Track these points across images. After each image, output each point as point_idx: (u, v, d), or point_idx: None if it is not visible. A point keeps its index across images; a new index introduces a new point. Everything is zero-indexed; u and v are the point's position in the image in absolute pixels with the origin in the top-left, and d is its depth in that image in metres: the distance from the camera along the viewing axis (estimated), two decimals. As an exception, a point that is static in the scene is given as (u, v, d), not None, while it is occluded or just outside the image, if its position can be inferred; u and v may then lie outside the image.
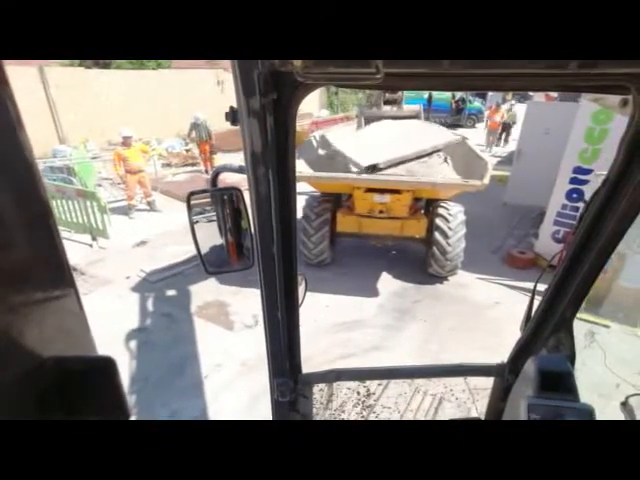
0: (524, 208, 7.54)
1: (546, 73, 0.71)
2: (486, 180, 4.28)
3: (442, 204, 5.09)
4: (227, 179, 6.77)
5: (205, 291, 5.17)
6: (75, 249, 6.21)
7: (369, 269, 5.66)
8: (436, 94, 16.20)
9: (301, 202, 5.56)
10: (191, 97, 14.48)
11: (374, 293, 5.12)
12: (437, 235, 4.95)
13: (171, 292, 5.14)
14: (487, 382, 1.62)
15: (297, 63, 0.61)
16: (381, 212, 5.06)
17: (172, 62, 14.79)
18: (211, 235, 1.20)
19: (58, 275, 0.39)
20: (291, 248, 1.00)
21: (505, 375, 1.49)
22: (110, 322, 4.44)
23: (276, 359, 1.20)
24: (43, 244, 0.38)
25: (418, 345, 4.15)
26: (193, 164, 10.96)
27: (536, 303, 1.36)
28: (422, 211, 5.57)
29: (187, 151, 11.48)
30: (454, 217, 4.95)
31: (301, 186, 5.73)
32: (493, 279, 5.37)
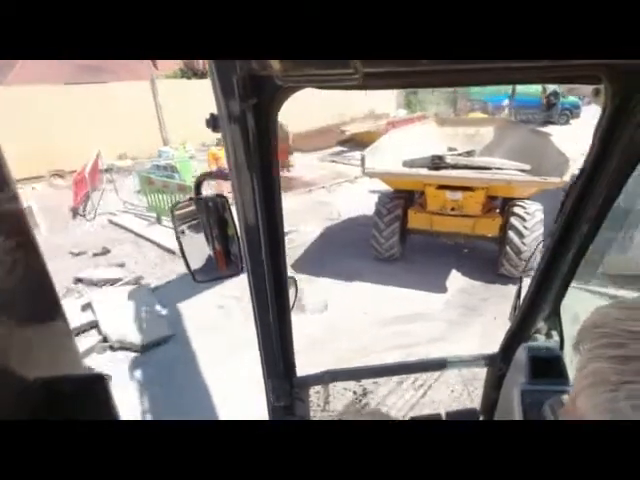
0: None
1: (522, 66, 0.73)
2: (566, 177, 4.11)
3: (518, 202, 4.95)
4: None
5: (281, 277, 5.68)
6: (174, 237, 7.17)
7: (438, 266, 5.70)
8: (524, 88, 15.15)
9: (374, 199, 5.81)
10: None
11: (441, 289, 5.17)
12: (511, 234, 4.84)
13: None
14: (481, 373, 1.64)
15: (276, 66, 0.59)
16: (453, 209, 5.09)
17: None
18: (200, 244, 1.18)
19: (42, 294, 0.38)
20: (279, 251, 0.99)
21: (497, 364, 1.50)
22: (197, 303, 5.12)
23: (270, 363, 1.19)
24: (25, 262, 0.36)
25: (480, 342, 4.15)
26: (275, 163, 11.79)
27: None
28: (497, 210, 5.46)
29: (269, 151, 12.38)
30: (531, 216, 4.79)
31: (375, 184, 5.94)
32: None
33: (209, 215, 1.10)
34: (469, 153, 5.92)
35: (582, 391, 0.43)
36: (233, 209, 1.02)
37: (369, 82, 0.66)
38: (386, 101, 16.73)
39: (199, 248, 1.13)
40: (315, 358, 3.98)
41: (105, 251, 6.66)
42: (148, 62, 12.10)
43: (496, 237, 5.21)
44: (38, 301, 0.38)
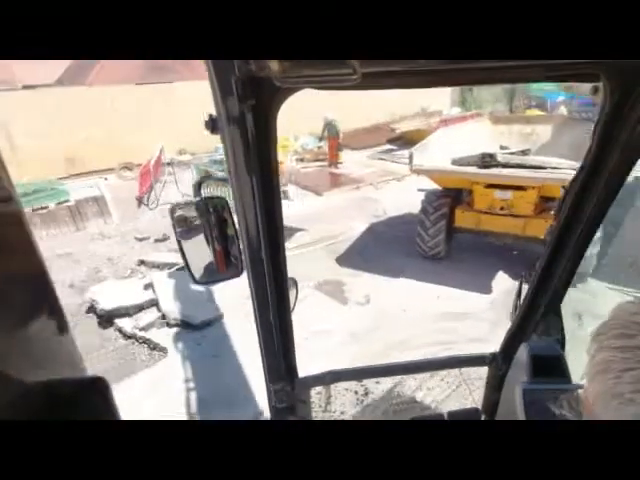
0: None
1: (521, 65, 0.74)
2: (630, 177, 3.87)
3: (575, 204, 4.73)
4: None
5: (325, 270, 5.86)
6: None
7: (484, 266, 5.58)
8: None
9: (421, 197, 5.81)
10: (325, 97, 15.66)
11: (487, 290, 5.07)
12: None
13: (297, 266, 5.96)
14: (482, 372, 1.64)
15: (274, 67, 0.58)
16: (502, 209, 4.97)
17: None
18: (200, 245, 1.18)
19: (42, 295, 0.38)
20: (279, 253, 0.99)
21: (499, 363, 1.49)
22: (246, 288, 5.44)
23: (271, 364, 1.18)
24: (23, 263, 0.36)
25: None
26: (323, 159, 12.02)
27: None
28: (552, 211, 5.23)
29: (319, 148, 12.61)
30: (588, 219, 4.56)
31: (423, 183, 5.93)
32: (631, 292, 4.74)
33: (209, 217, 1.09)
34: (524, 152, 5.71)
35: (591, 379, 0.45)
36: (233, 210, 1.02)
37: (368, 82, 0.66)
38: (440, 99, 16.32)
39: (199, 249, 1.13)
40: (352, 349, 4.11)
41: (165, 238, 7.25)
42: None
43: (549, 239, 5.01)
44: (38, 303, 0.37)
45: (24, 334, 0.35)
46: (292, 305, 1.18)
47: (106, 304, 4.87)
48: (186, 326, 4.67)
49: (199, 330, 4.62)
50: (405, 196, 8.16)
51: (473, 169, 4.86)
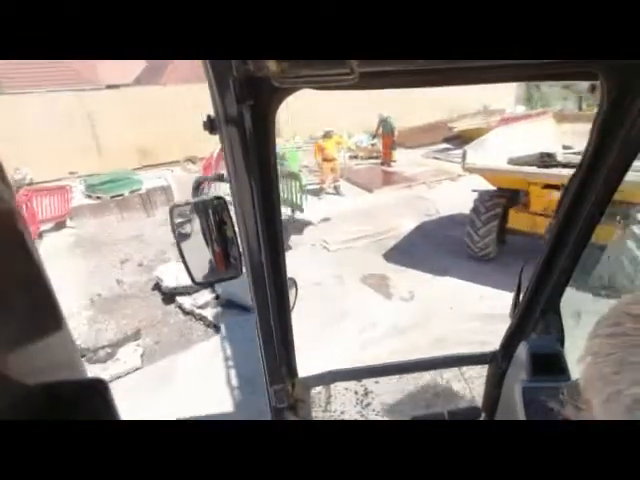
0: None
1: (519, 64, 0.75)
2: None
3: (644, 209, 4.42)
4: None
5: (371, 264, 5.98)
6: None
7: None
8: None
9: (473, 196, 5.70)
10: (381, 94, 15.59)
11: (538, 294, 4.89)
12: (630, 243, 4.36)
13: (344, 260, 6.14)
14: (482, 370, 1.62)
15: (272, 67, 0.59)
16: (560, 211, 4.76)
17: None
18: (199, 245, 1.18)
19: (42, 296, 0.37)
20: (278, 253, 0.99)
21: (498, 361, 1.49)
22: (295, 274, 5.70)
23: (271, 364, 1.18)
24: (23, 264, 0.36)
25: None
26: (376, 157, 12.06)
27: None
28: (618, 216, 4.91)
29: (372, 145, 12.66)
30: (658, 225, 4.25)
31: (478, 183, 5.81)
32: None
33: (208, 217, 1.09)
34: None
35: (584, 364, 0.47)
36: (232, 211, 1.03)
37: (365, 82, 0.66)
38: (504, 97, 15.57)
39: (199, 250, 1.13)
40: (394, 342, 4.21)
41: (222, 226, 7.77)
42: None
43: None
44: (38, 304, 0.37)
45: (24, 335, 0.35)
46: (292, 305, 1.20)
47: (169, 283, 5.38)
48: (236, 307, 5.03)
49: (246, 313, 4.95)
50: (459, 196, 8.00)
51: (529, 168, 4.69)
